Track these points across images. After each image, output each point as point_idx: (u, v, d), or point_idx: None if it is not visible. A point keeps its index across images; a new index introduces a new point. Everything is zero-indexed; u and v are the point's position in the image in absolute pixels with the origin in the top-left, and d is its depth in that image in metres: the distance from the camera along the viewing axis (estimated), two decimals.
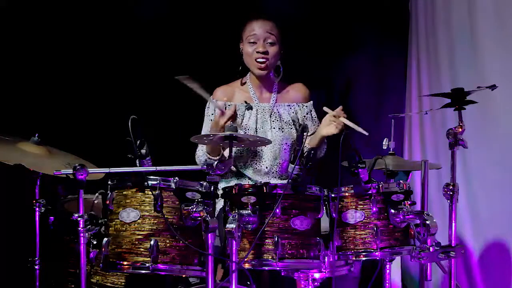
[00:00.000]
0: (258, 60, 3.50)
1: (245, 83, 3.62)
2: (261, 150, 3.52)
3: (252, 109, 3.56)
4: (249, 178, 3.52)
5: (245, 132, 3.48)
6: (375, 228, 2.87)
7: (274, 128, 3.55)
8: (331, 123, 3.34)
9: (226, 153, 2.92)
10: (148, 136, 2.78)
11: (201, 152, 3.50)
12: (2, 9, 4.20)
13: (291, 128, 3.57)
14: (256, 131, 3.53)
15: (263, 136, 3.45)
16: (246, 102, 3.56)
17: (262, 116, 3.57)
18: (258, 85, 3.61)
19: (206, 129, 3.56)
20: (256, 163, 3.52)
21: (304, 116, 3.62)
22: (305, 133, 2.87)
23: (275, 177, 3.54)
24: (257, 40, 3.50)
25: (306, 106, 3.64)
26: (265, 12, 3.75)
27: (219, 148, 3.30)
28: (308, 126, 3.49)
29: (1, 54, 4.17)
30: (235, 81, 3.66)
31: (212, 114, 3.53)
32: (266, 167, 3.51)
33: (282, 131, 3.54)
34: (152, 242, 2.66)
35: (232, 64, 3.73)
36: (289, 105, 3.63)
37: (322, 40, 4.76)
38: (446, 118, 4.31)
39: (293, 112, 3.60)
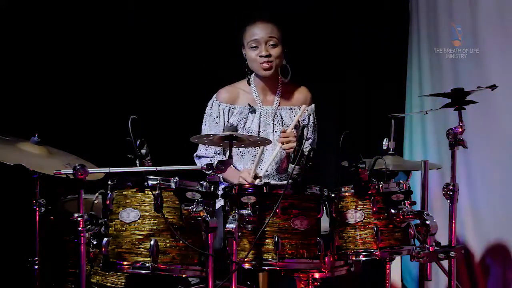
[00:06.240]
0: (263, 64, 3.49)
1: (249, 82, 3.60)
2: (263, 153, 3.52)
3: (255, 112, 3.56)
4: None
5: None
6: (375, 228, 2.87)
7: (276, 131, 3.54)
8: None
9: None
10: (148, 136, 2.78)
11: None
12: (2, 9, 4.19)
13: (293, 132, 3.54)
14: (259, 134, 3.52)
15: None
16: (249, 105, 3.56)
17: (265, 119, 3.56)
18: (262, 87, 3.60)
19: (207, 130, 3.55)
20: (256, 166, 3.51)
21: (303, 120, 3.61)
22: (305, 133, 2.87)
23: (274, 180, 3.53)
24: (259, 44, 3.49)
25: (307, 110, 3.63)
26: (264, 13, 3.74)
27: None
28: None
29: (1, 54, 4.16)
30: (238, 82, 3.64)
31: (217, 117, 3.53)
32: (266, 171, 3.50)
33: None
34: (152, 242, 2.66)
35: (232, 64, 3.73)
36: (291, 109, 3.62)
37: (322, 40, 4.75)
38: (448, 118, 4.31)
39: (294, 116, 3.58)
